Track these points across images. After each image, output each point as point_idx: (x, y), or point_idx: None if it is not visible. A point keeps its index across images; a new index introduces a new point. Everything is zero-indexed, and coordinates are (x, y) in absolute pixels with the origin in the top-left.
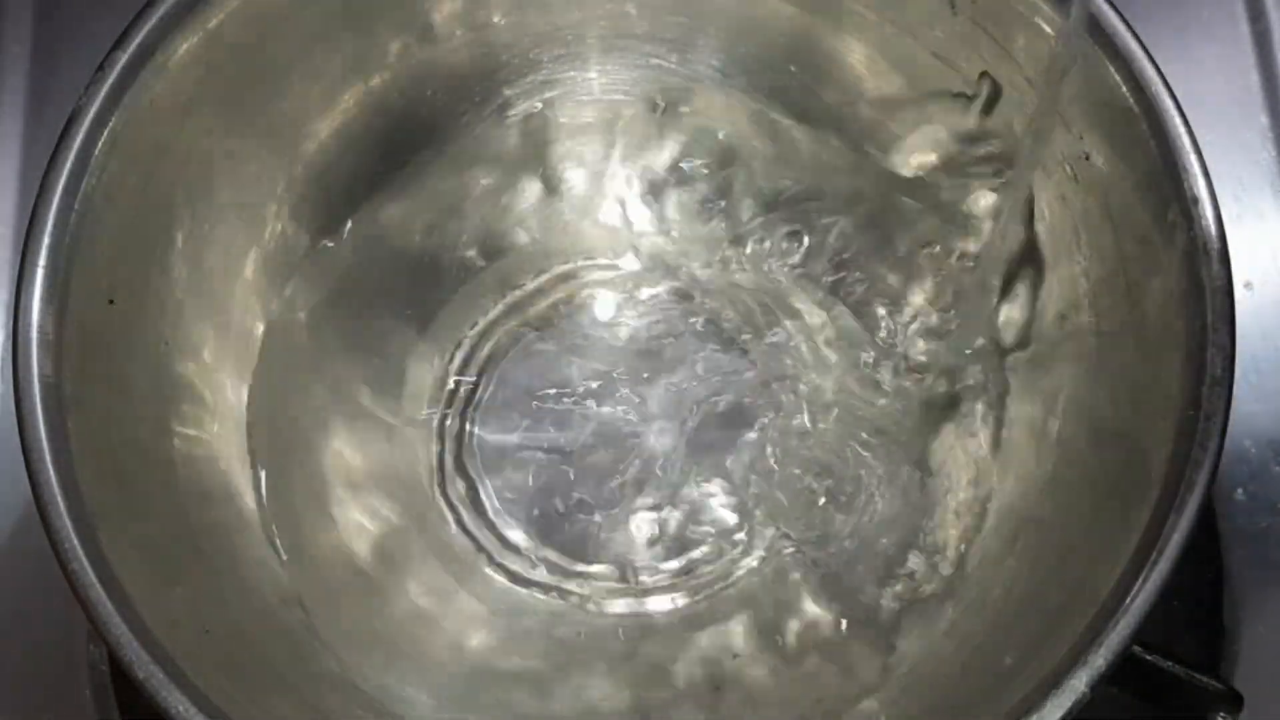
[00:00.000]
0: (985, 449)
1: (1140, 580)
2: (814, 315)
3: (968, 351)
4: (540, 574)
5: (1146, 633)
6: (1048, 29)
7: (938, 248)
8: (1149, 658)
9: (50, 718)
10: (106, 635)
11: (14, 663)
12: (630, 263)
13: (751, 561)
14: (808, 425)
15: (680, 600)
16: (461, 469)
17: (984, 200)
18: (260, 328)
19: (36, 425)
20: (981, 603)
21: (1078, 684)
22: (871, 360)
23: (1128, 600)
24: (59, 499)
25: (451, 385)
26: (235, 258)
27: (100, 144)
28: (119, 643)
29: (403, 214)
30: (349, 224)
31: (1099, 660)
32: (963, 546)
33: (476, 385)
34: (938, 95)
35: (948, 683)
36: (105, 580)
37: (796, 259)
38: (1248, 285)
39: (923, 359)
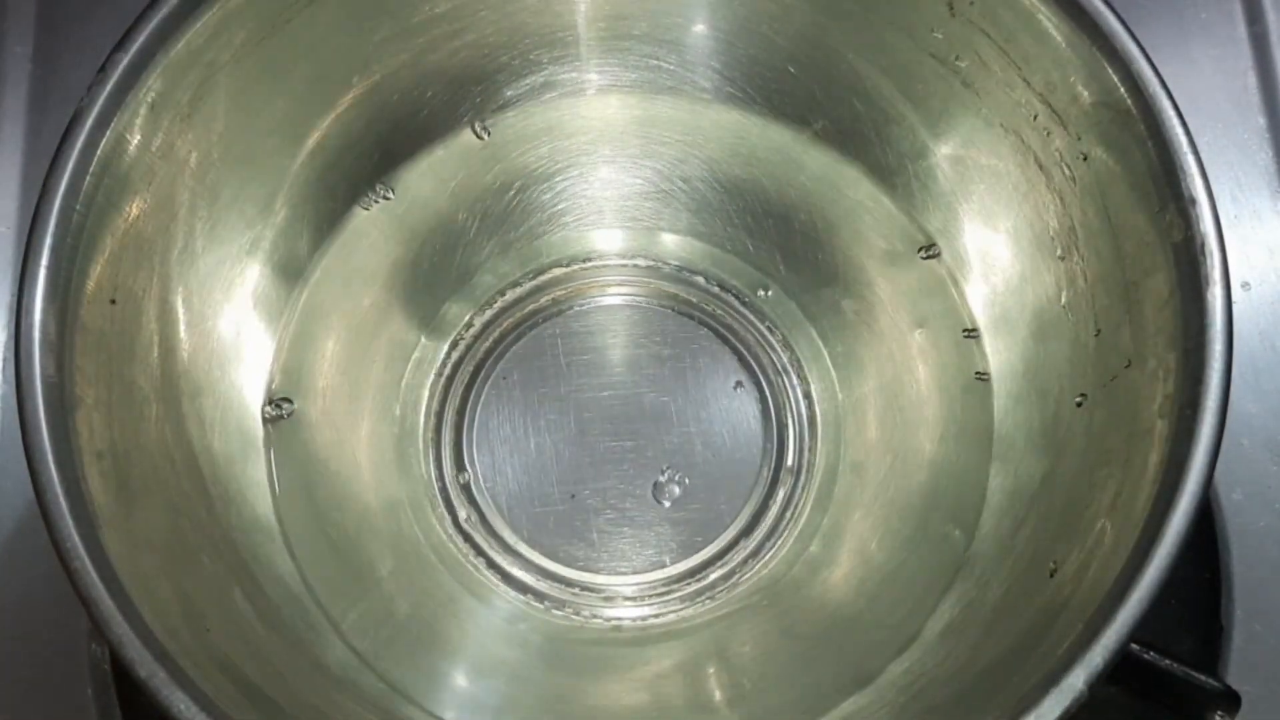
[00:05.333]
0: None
1: (1138, 579)
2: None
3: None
4: (540, 579)
5: (1144, 631)
6: (1047, 29)
7: None
8: (1147, 656)
9: (52, 716)
10: (108, 634)
11: (16, 661)
12: (637, 262)
13: (757, 564)
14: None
15: (681, 604)
16: (461, 472)
17: None
18: (262, 327)
19: (39, 425)
20: (980, 601)
21: (1076, 682)
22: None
23: (1126, 598)
24: (61, 498)
25: (453, 384)
26: (237, 257)
27: (102, 145)
28: (121, 642)
29: (404, 214)
30: (352, 224)
31: (1097, 658)
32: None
33: (476, 385)
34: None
35: (947, 682)
36: (107, 579)
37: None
38: (1245, 285)
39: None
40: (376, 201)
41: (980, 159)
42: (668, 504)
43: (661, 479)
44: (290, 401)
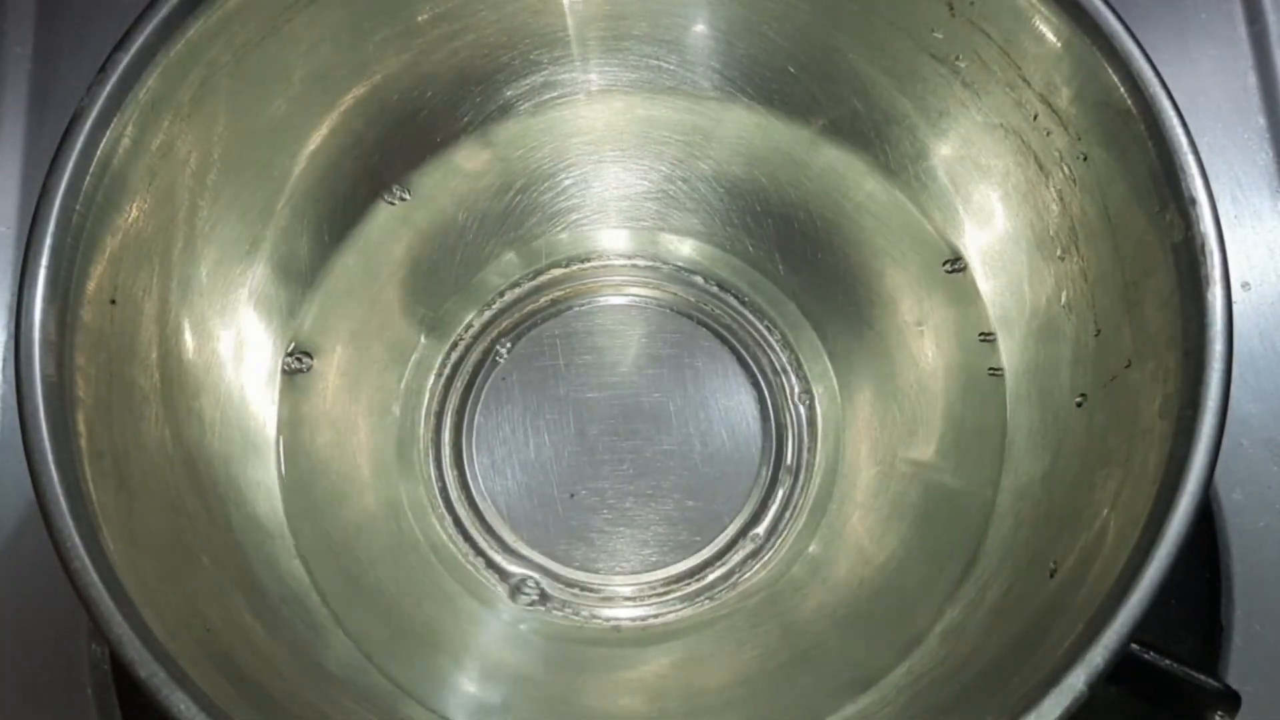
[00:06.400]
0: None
1: (1138, 579)
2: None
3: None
4: (538, 579)
5: (1145, 631)
6: (1047, 29)
7: None
8: (1147, 656)
9: (52, 717)
10: (108, 634)
11: (16, 662)
12: (637, 262)
13: (756, 564)
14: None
15: (680, 604)
16: (460, 470)
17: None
18: (263, 328)
19: (39, 425)
20: (980, 601)
21: (1076, 682)
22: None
23: (1126, 598)
24: (61, 498)
25: (453, 384)
26: (237, 258)
27: (102, 145)
28: (121, 642)
29: (405, 213)
30: (356, 224)
31: (1097, 658)
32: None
33: (476, 383)
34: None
35: (947, 682)
36: (107, 579)
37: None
38: (1245, 285)
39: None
40: (393, 202)
41: (980, 159)
42: (525, 603)
43: (520, 579)
44: (310, 356)
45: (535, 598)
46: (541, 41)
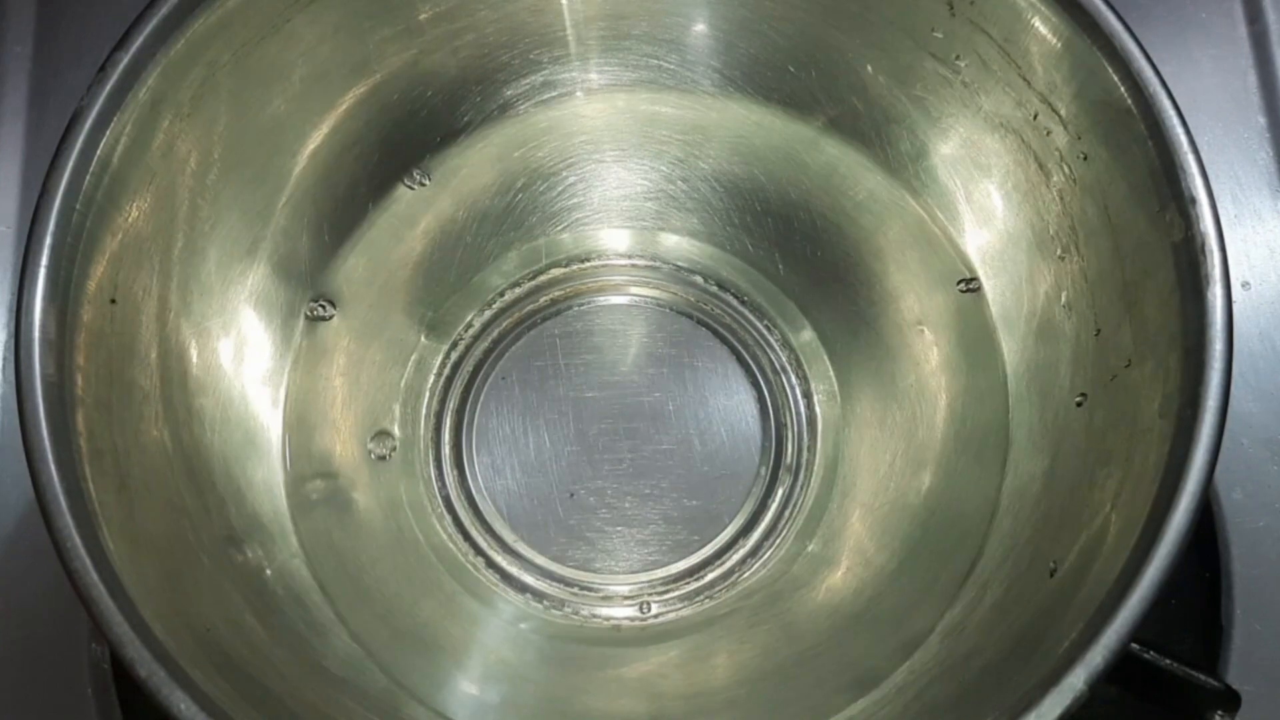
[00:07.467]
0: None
1: (1138, 578)
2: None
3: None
4: (539, 579)
5: (1144, 631)
6: (1047, 29)
7: None
8: (1147, 656)
9: (52, 716)
10: (108, 634)
11: (16, 661)
12: (636, 262)
13: (755, 563)
14: None
15: (679, 604)
16: (460, 470)
17: None
18: (262, 327)
19: (39, 425)
20: (980, 601)
21: (1076, 681)
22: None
23: (1126, 598)
24: (61, 498)
25: (455, 381)
26: (237, 257)
27: (102, 144)
28: (121, 641)
29: (403, 213)
30: (352, 223)
31: (1097, 658)
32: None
33: (476, 383)
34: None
35: (947, 681)
36: (107, 579)
37: None
38: (1245, 285)
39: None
40: (413, 186)
41: (980, 158)
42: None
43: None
44: (333, 304)
45: (385, 452)
46: (541, 41)
